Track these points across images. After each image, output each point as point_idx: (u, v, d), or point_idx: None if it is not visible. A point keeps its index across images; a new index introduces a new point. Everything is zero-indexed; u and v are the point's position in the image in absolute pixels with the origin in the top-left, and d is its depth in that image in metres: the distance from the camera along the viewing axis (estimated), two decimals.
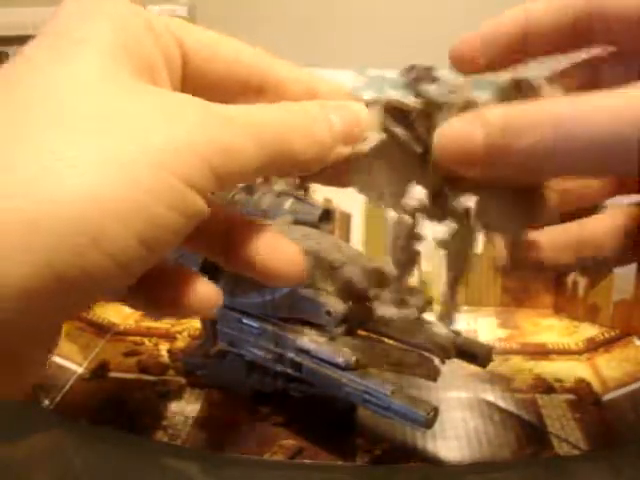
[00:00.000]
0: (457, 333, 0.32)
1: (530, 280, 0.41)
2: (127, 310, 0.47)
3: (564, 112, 0.17)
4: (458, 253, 0.21)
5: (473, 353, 0.33)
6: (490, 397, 0.38)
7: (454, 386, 0.38)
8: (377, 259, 0.32)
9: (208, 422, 0.36)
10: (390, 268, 0.34)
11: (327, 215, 0.37)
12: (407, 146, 0.20)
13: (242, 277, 0.21)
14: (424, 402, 0.28)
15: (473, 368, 0.34)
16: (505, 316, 0.48)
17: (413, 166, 0.20)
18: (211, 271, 0.28)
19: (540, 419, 0.36)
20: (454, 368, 0.36)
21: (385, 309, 0.29)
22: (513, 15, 0.23)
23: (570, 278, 0.47)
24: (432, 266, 0.48)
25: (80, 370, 0.41)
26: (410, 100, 0.20)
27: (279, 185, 0.39)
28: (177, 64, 0.20)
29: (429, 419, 0.28)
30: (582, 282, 0.46)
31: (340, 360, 0.29)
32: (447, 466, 0.32)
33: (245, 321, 0.34)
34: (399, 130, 0.20)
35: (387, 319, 0.29)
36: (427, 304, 0.29)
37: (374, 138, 0.20)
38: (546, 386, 0.39)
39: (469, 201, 0.21)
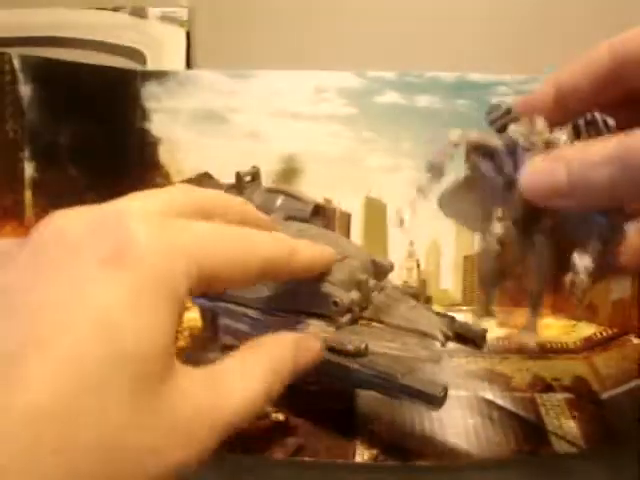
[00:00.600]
0: (452, 319, 0.33)
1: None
2: None
3: (616, 149, 0.19)
4: (538, 270, 0.24)
5: (469, 336, 0.34)
6: (489, 396, 0.38)
7: (453, 384, 0.38)
8: (375, 254, 0.33)
9: None
10: (387, 260, 0.34)
11: (318, 211, 0.37)
12: (491, 178, 0.23)
13: None
14: (434, 382, 0.29)
15: (472, 367, 0.34)
16: (504, 315, 0.48)
17: (497, 195, 0.23)
18: None
19: (538, 417, 0.36)
20: (453, 367, 0.36)
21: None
22: (546, 82, 0.24)
23: (568, 277, 0.47)
24: (432, 266, 0.48)
25: None
26: (494, 139, 0.22)
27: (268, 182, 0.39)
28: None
29: (441, 397, 0.28)
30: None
31: (350, 347, 0.30)
32: (446, 464, 0.33)
33: (250, 314, 0.34)
34: (483, 164, 0.23)
35: (387, 307, 0.30)
36: (426, 303, 0.30)
37: (462, 173, 0.23)
38: (544, 385, 0.39)
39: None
